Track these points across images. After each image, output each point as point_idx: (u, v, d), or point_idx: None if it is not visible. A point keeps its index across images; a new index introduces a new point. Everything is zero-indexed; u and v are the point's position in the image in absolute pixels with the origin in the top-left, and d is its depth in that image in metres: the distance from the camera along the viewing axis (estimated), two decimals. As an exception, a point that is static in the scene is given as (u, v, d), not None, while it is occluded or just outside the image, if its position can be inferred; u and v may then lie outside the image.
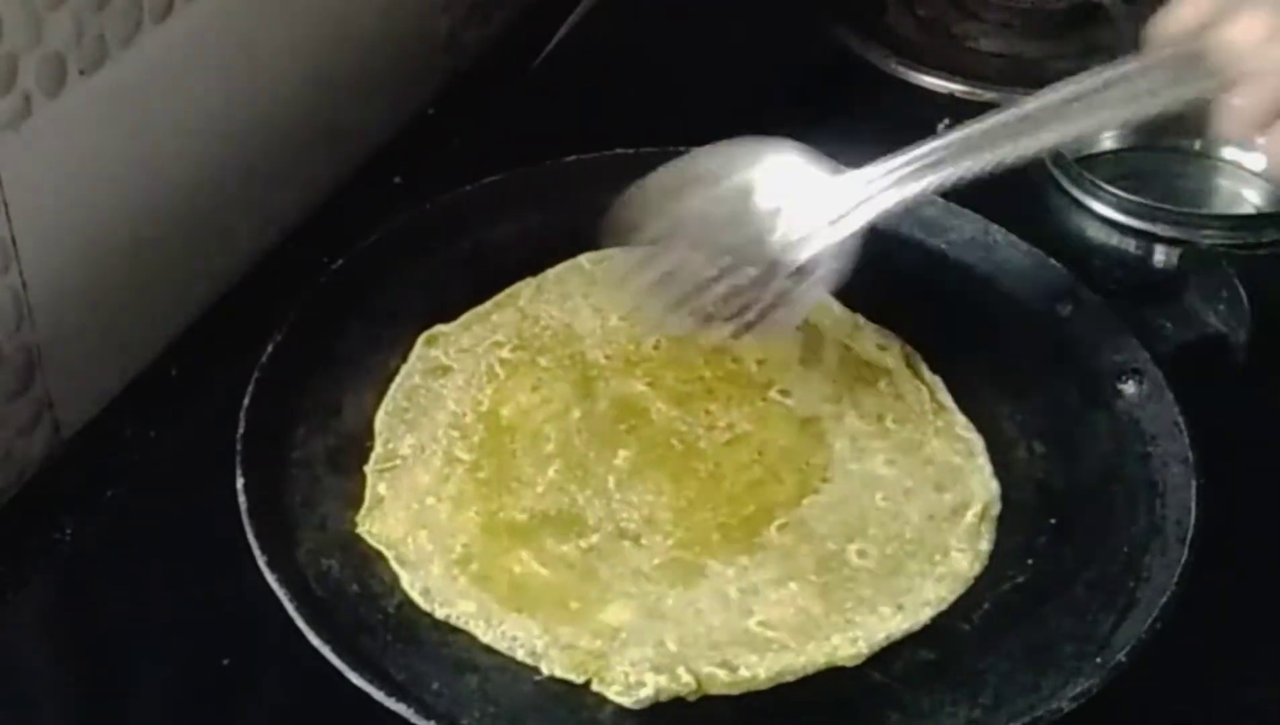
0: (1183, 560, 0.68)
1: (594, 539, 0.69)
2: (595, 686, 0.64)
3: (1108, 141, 0.99)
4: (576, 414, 0.75)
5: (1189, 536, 0.69)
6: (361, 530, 0.70)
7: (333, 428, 0.75)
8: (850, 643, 0.66)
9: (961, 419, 0.76)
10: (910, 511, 0.71)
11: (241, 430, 0.71)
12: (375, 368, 0.78)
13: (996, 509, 0.72)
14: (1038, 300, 0.83)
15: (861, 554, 0.69)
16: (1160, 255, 0.89)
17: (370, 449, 0.74)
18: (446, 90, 1.03)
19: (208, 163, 0.83)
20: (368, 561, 0.69)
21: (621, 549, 0.69)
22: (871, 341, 0.79)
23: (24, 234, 0.72)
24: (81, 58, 0.72)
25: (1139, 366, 0.77)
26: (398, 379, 0.77)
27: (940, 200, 0.86)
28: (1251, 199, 0.95)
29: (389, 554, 0.69)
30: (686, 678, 0.64)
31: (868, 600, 0.67)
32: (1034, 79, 1.01)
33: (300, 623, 0.65)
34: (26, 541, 0.73)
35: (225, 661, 0.67)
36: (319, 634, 0.64)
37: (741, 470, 0.72)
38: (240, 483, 0.69)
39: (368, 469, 0.73)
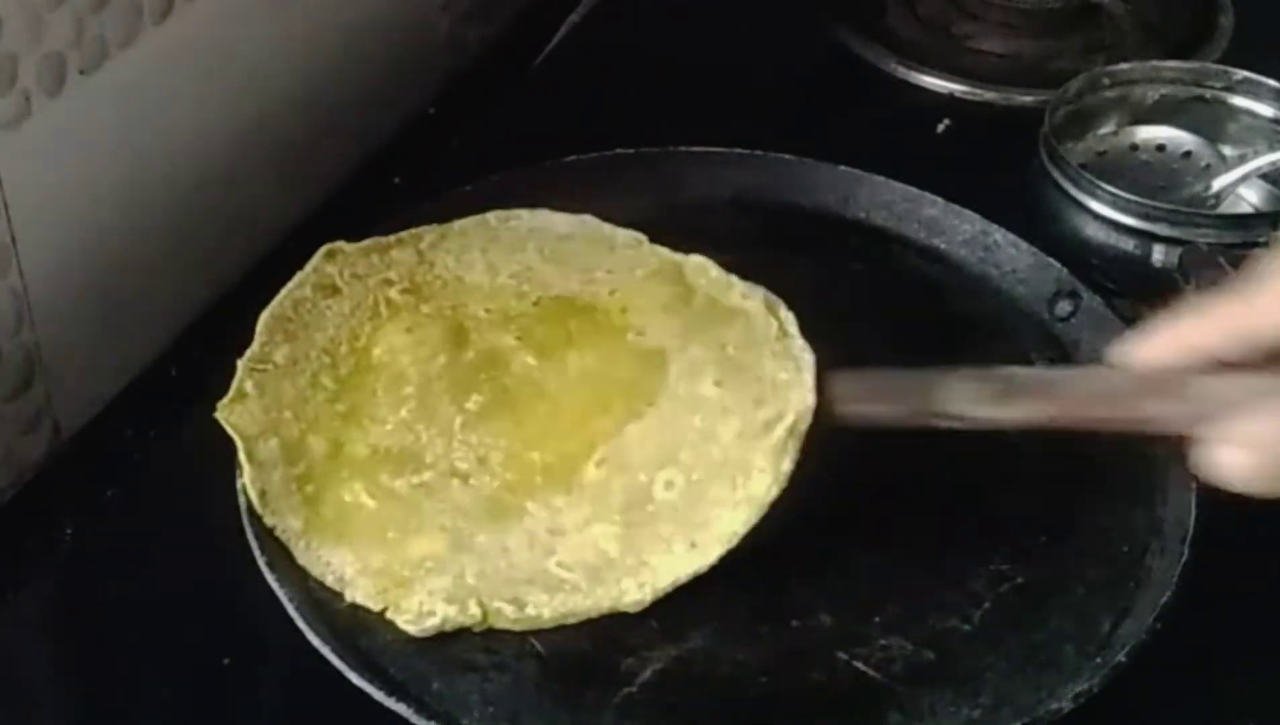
0: (1183, 560, 0.68)
1: (426, 476, 0.70)
2: (390, 614, 0.66)
3: (1106, 142, 0.99)
4: (442, 361, 0.75)
5: (1189, 536, 0.69)
6: (220, 416, 0.71)
7: (332, 427, 0.75)
8: (638, 588, 0.67)
9: (800, 342, 0.74)
10: (724, 431, 0.71)
11: (241, 430, 0.71)
12: (375, 367, 0.78)
13: (806, 423, 0.70)
14: (1037, 300, 0.83)
15: (669, 485, 0.69)
16: (1160, 255, 0.89)
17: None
18: (446, 90, 1.03)
19: (208, 162, 0.83)
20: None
21: (450, 487, 0.70)
22: (738, 292, 0.78)
23: (24, 234, 0.72)
24: (81, 57, 0.72)
25: (1139, 366, 0.77)
26: (289, 285, 0.77)
27: (940, 200, 0.86)
28: (1249, 198, 0.95)
29: (240, 446, 0.70)
30: (474, 610, 0.65)
31: (664, 538, 0.68)
32: (1034, 79, 1.03)
33: (300, 622, 0.65)
34: (26, 542, 0.73)
35: (225, 661, 0.67)
36: (318, 633, 0.64)
37: (577, 405, 0.73)
38: (240, 482, 0.69)
39: (239, 362, 0.74)
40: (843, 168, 0.88)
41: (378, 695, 0.62)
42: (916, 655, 0.67)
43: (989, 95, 1.02)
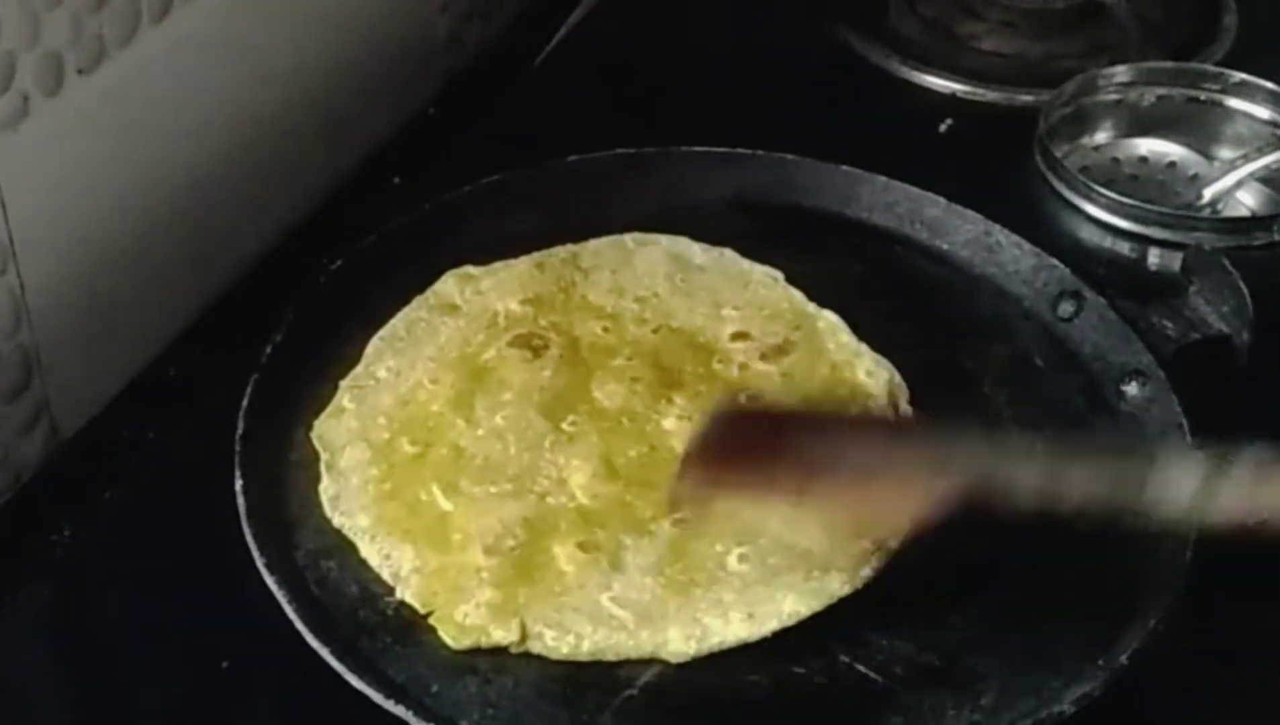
0: (1185, 563, 0.68)
1: (505, 487, 0.71)
2: (431, 620, 0.66)
3: (1106, 146, 0.99)
4: (547, 375, 0.75)
5: (1191, 539, 0.69)
6: (314, 435, 0.73)
7: (332, 428, 0.75)
8: (684, 639, 0.66)
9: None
10: (812, 524, 0.69)
11: (240, 431, 0.71)
12: (375, 368, 0.78)
13: (896, 543, 0.69)
14: (1040, 301, 0.83)
15: (742, 558, 0.68)
16: (1156, 258, 0.89)
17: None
18: (446, 90, 1.03)
19: (207, 163, 0.83)
20: (366, 563, 0.69)
21: (526, 502, 0.70)
22: (865, 365, 0.77)
23: (22, 234, 0.72)
24: (80, 57, 0.72)
25: (1142, 368, 0.77)
26: (406, 308, 0.79)
27: (943, 200, 0.86)
28: (1247, 201, 0.95)
29: (322, 457, 0.72)
30: (514, 629, 0.65)
31: (723, 604, 0.67)
32: (1036, 79, 1.02)
33: (299, 624, 0.65)
34: (25, 543, 0.73)
35: (225, 663, 0.67)
36: (318, 636, 0.64)
37: (670, 459, 0.71)
38: (239, 484, 0.69)
39: (342, 383, 0.75)
40: (844, 168, 0.88)
41: (377, 698, 0.62)
42: (917, 658, 0.67)
43: (992, 95, 1.02)
